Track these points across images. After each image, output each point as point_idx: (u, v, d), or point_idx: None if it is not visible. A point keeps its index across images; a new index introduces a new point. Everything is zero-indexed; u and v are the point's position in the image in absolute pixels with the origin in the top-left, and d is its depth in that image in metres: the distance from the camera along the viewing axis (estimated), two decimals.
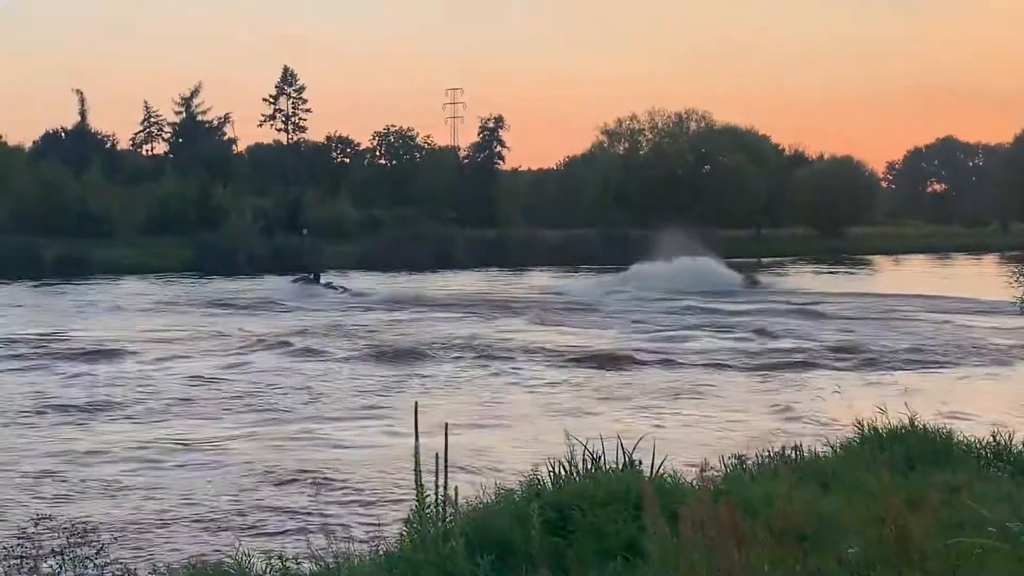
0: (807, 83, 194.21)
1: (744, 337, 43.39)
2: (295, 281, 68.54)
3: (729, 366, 35.67)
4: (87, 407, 28.72)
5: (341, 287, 67.07)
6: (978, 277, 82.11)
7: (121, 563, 11.67)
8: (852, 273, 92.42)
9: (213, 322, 51.61)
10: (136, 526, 16.43)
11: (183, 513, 17.94)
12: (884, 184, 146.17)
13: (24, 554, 10.43)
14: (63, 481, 20.15)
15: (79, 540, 11.20)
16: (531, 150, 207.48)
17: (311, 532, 12.24)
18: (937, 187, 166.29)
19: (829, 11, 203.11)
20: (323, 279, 69.19)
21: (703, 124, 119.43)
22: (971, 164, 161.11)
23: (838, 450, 14.46)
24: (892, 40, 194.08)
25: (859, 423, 15.50)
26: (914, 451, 13.68)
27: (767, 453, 13.96)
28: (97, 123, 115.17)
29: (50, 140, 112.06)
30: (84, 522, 15.60)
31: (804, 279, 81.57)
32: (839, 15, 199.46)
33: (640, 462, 11.76)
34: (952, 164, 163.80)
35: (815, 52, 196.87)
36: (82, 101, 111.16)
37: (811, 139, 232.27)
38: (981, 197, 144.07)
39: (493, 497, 11.09)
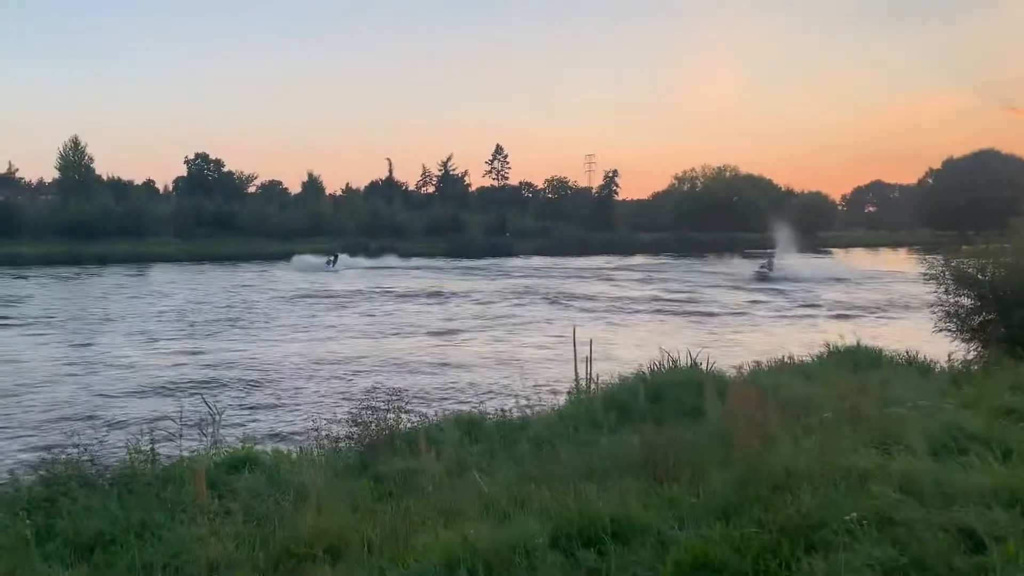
0: (797, 146, 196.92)
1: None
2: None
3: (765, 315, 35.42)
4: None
5: (331, 259, 64.61)
6: (897, 261, 79.78)
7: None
8: (829, 256, 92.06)
9: (462, 279, 53.96)
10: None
11: (461, 384, 18.40)
12: (840, 207, 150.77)
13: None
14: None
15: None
16: (633, 189, 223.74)
17: (519, 397, 12.53)
18: (871, 209, 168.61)
19: (816, 101, 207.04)
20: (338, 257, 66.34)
21: (733, 173, 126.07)
22: (891, 196, 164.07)
23: (815, 359, 14.72)
24: (849, 123, 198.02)
25: (827, 344, 15.92)
26: (859, 360, 14.00)
27: (774, 360, 14.26)
28: (398, 175, 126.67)
29: (373, 186, 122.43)
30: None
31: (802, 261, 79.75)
32: (823, 105, 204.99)
33: (700, 363, 12.53)
34: (880, 195, 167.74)
35: (801, 128, 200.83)
36: (390, 164, 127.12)
37: (798, 180, 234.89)
38: (897, 215, 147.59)
39: (617, 379, 11.90)
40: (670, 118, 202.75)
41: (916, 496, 5.37)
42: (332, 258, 66.04)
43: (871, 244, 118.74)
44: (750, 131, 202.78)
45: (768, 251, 63.29)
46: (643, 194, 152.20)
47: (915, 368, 13.26)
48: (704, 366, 12.23)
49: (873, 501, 5.24)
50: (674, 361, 12.39)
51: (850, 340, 15.67)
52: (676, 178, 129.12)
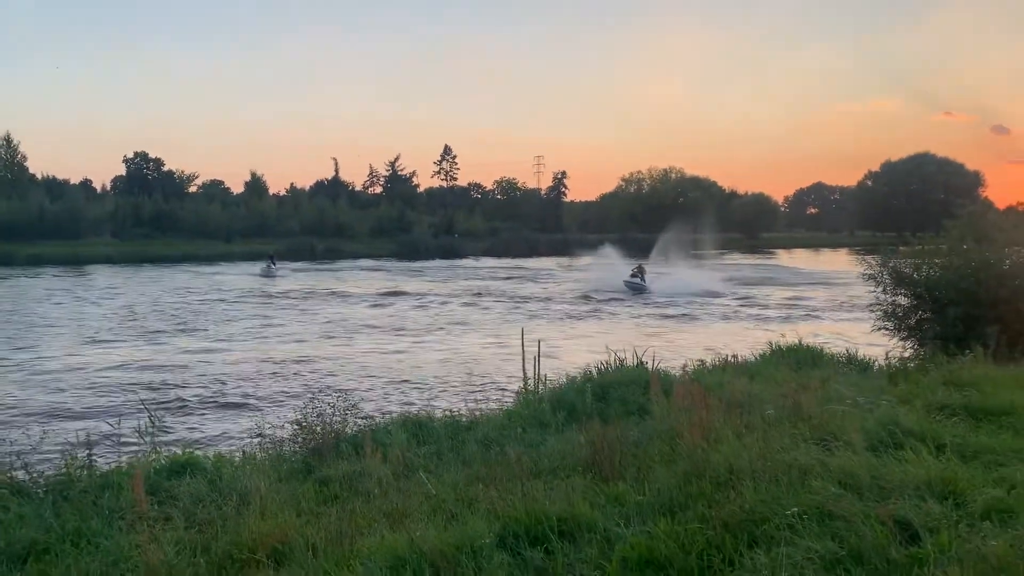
0: (741, 149, 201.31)
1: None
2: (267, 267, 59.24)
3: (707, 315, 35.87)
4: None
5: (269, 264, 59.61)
6: (836, 260, 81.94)
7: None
8: (767, 256, 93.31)
9: (406, 280, 53.35)
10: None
11: (409, 385, 18.20)
12: (782, 208, 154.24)
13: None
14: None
15: None
16: (581, 190, 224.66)
17: (466, 398, 12.50)
18: (813, 210, 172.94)
19: (760, 104, 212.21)
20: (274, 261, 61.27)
21: (679, 175, 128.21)
22: (832, 197, 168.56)
23: (758, 357, 14.89)
24: (792, 126, 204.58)
25: (770, 343, 16.20)
26: (801, 358, 14.22)
27: (717, 359, 14.41)
28: (344, 175, 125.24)
29: (319, 185, 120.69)
30: None
31: (742, 260, 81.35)
32: (767, 108, 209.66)
33: (646, 362, 12.65)
34: (822, 197, 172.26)
35: (745, 131, 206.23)
36: (336, 163, 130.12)
37: (742, 181, 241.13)
38: (838, 217, 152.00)
39: (564, 379, 11.94)
40: (618, 120, 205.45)
41: (854, 490, 5.50)
42: (270, 261, 61.01)
43: (813, 245, 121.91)
44: (696, 133, 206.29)
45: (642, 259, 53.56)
46: (591, 195, 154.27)
47: (855, 366, 13.47)
48: (650, 365, 12.34)
49: (813, 496, 5.36)
50: (621, 360, 12.50)
51: (792, 339, 16.00)
52: (623, 180, 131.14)
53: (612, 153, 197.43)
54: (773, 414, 8.24)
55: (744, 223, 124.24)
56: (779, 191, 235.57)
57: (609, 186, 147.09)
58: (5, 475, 7.66)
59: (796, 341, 15.73)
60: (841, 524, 4.95)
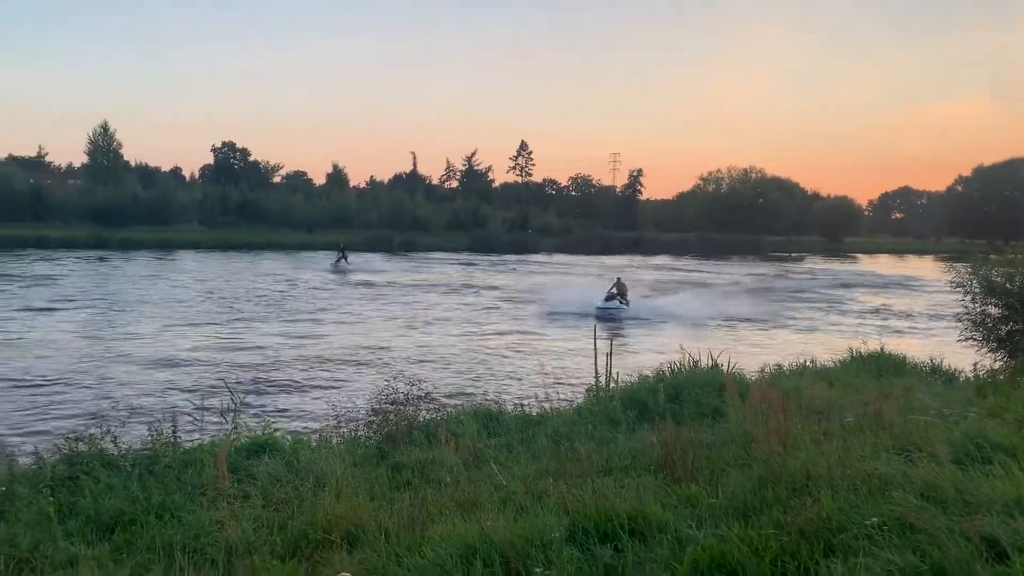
0: (825, 150, 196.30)
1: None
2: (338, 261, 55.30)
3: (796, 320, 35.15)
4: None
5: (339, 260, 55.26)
6: (922, 267, 79.04)
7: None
8: (849, 261, 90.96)
9: (487, 273, 53.07)
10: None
11: (482, 377, 18.34)
12: (866, 212, 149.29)
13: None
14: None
15: None
16: (657, 188, 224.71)
17: (537, 392, 12.48)
18: (898, 215, 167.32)
19: (845, 105, 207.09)
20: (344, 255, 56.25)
21: (759, 175, 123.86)
22: (919, 202, 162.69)
23: (838, 364, 14.52)
24: (878, 128, 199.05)
25: (850, 349, 15.77)
26: (882, 366, 13.81)
27: (795, 364, 14.17)
28: (421, 169, 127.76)
29: (397, 179, 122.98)
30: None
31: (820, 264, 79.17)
32: (852, 109, 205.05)
33: (720, 364, 12.47)
34: (908, 201, 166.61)
35: (829, 132, 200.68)
36: (414, 157, 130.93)
37: (825, 184, 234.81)
38: (925, 222, 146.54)
39: (637, 379, 11.87)
40: (697, 118, 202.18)
41: (938, 503, 5.32)
42: (340, 254, 56.43)
43: (897, 251, 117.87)
44: (778, 133, 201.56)
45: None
46: (667, 194, 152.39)
47: (939, 376, 13.08)
48: (725, 367, 12.16)
49: (894, 507, 5.21)
50: (695, 361, 12.34)
51: (873, 347, 15.55)
52: (701, 179, 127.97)
53: (690, 152, 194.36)
54: (853, 422, 8.09)
55: (826, 226, 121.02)
56: (863, 194, 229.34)
57: (686, 185, 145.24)
58: (95, 447, 7.98)
59: (878, 348, 15.28)
60: (923, 537, 4.81)
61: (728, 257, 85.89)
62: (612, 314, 30.55)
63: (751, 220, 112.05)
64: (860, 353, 15.06)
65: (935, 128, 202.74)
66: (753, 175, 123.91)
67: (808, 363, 14.06)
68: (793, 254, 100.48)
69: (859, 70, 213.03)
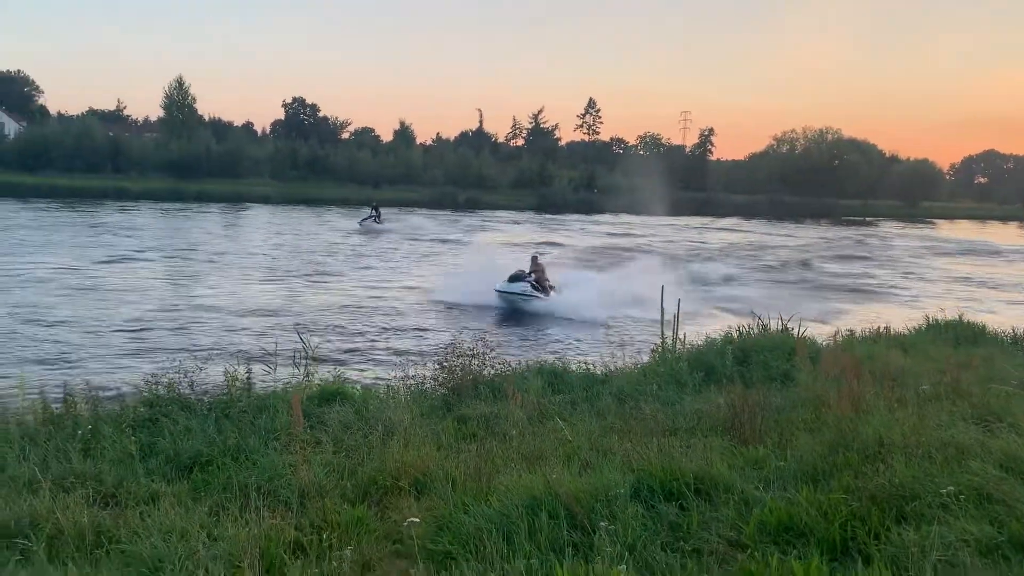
0: (905, 112, 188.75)
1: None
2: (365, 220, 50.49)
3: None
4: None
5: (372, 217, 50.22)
6: (1006, 234, 75.90)
7: None
8: (926, 226, 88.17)
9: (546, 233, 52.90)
10: None
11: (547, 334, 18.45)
12: (947, 176, 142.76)
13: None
14: None
15: None
16: (728, 148, 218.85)
17: (602, 350, 12.43)
18: (982, 179, 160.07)
19: (927, 64, 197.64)
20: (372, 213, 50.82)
21: (836, 136, 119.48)
22: (1005, 167, 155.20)
23: (913, 331, 14.22)
24: (961, 89, 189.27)
25: (927, 316, 15.34)
26: (961, 335, 13.45)
27: (869, 330, 13.84)
28: (487, 127, 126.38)
29: (463, 136, 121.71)
30: None
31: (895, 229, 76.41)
32: (934, 69, 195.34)
33: (791, 328, 12.24)
34: (993, 166, 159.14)
35: (910, 92, 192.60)
36: (480, 115, 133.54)
37: (904, 146, 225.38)
38: (1011, 188, 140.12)
39: (704, 341, 11.76)
40: (772, 77, 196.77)
41: (1018, 475, 5.19)
42: (373, 211, 51.32)
43: (980, 217, 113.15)
44: (856, 93, 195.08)
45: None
46: (739, 154, 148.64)
47: (1021, 347, 12.61)
48: (795, 331, 11.94)
49: (971, 477, 5.10)
50: (764, 325, 12.14)
51: (951, 315, 15.10)
52: (775, 139, 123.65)
53: (763, 111, 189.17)
54: (929, 389, 7.95)
55: (904, 190, 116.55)
56: (944, 158, 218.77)
57: (758, 146, 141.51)
58: (174, 391, 8.29)
59: (956, 317, 14.81)
60: (1001, 509, 4.70)
61: (800, 220, 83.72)
62: (515, 302, 22.30)
63: (825, 183, 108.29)
64: (937, 321, 14.70)
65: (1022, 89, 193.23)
66: (829, 136, 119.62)
67: (882, 330, 13.68)
68: (868, 218, 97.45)
69: (944, 28, 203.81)
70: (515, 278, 22.57)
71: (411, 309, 21.32)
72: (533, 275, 22.92)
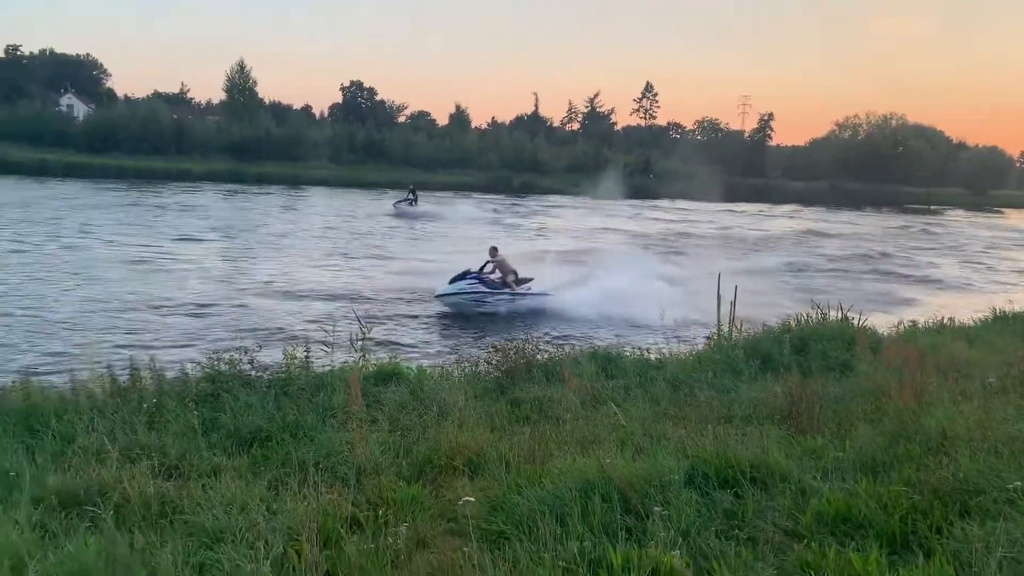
0: (973, 97, 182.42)
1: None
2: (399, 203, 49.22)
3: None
4: None
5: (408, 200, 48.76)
6: None
7: None
8: (999, 216, 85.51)
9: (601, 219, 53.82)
10: None
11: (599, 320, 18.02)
12: (1018, 164, 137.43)
13: None
14: None
15: None
16: (789, 134, 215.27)
17: (657, 337, 12.36)
18: None
19: (996, 48, 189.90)
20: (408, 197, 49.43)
21: (900, 121, 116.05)
22: None
23: (979, 323, 13.91)
24: None
25: (994, 308, 14.97)
26: None
27: (932, 321, 13.54)
28: (543, 111, 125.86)
29: (518, 120, 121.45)
30: None
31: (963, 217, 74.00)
32: (1004, 53, 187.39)
33: (852, 318, 11.98)
34: None
35: (979, 78, 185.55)
36: (536, 99, 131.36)
37: (972, 133, 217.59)
38: None
39: (761, 328, 11.61)
40: (834, 62, 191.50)
41: None
42: (410, 194, 49.85)
43: None
44: (921, 78, 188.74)
45: None
46: (799, 140, 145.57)
47: None
48: (856, 321, 11.69)
49: None
50: (823, 314, 11.91)
51: (1020, 307, 14.67)
52: (837, 124, 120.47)
53: (825, 97, 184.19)
54: (995, 382, 7.78)
55: (971, 178, 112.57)
56: (1015, 145, 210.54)
57: (820, 131, 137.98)
58: (234, 368, 8.48)
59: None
60: None
61: (862, 208, 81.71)
62: (459, 305, 19.10)
63: (889, 170, 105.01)
64: (1004, 313, 14.33)
65: None
66: (893, 122, 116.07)
67: (946, 321, 13.35)
68: (933, 207, 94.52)
69: (1015, 11, 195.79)
70: (459, 277, 19.32)
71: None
72: (496, 269, 19.83)
